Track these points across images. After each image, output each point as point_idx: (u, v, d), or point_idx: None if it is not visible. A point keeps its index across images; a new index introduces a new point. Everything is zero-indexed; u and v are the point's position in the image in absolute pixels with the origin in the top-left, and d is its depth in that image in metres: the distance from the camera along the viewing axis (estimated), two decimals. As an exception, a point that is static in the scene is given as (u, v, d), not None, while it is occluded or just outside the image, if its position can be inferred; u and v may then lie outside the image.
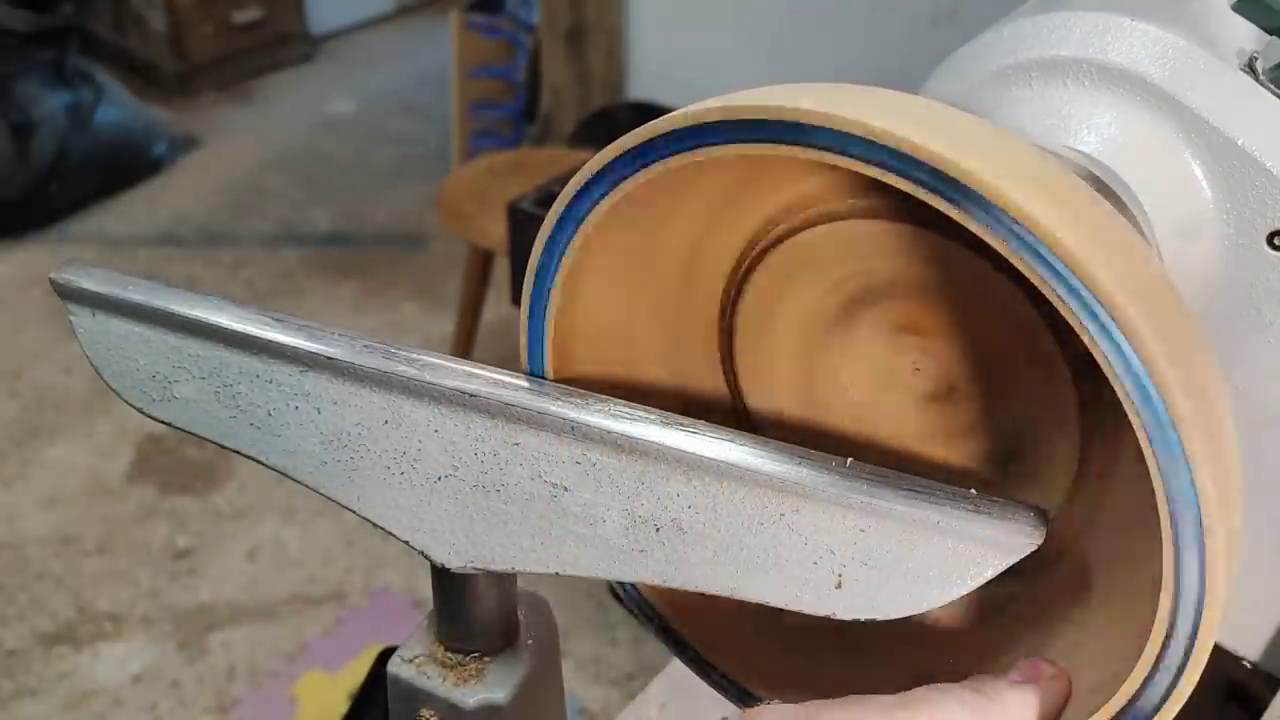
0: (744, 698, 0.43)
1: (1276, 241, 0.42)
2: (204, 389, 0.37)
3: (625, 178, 0.32)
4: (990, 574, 0.33)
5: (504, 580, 0.38)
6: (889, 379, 0.39)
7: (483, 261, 2.17)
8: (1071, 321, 0.28)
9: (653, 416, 0.35)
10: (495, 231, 2.02)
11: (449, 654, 0.39)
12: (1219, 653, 0.48)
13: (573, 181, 0.33)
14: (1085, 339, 0.27)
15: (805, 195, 0.38)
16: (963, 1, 2.01)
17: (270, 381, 0.37)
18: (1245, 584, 0.31)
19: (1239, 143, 0.41)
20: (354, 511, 0.38)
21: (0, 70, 2.82)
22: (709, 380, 0.44)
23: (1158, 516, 0.28)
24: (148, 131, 3.12)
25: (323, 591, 1.94)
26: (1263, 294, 0.43)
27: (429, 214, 2.93)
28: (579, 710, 1.66)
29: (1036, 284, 0.28)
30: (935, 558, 0.33)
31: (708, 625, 0.43)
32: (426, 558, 0.37)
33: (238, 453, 0.38)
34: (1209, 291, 0.44)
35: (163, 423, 0.39)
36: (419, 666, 0.39)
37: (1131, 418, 0.27)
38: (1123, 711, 0.31)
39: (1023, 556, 0.34)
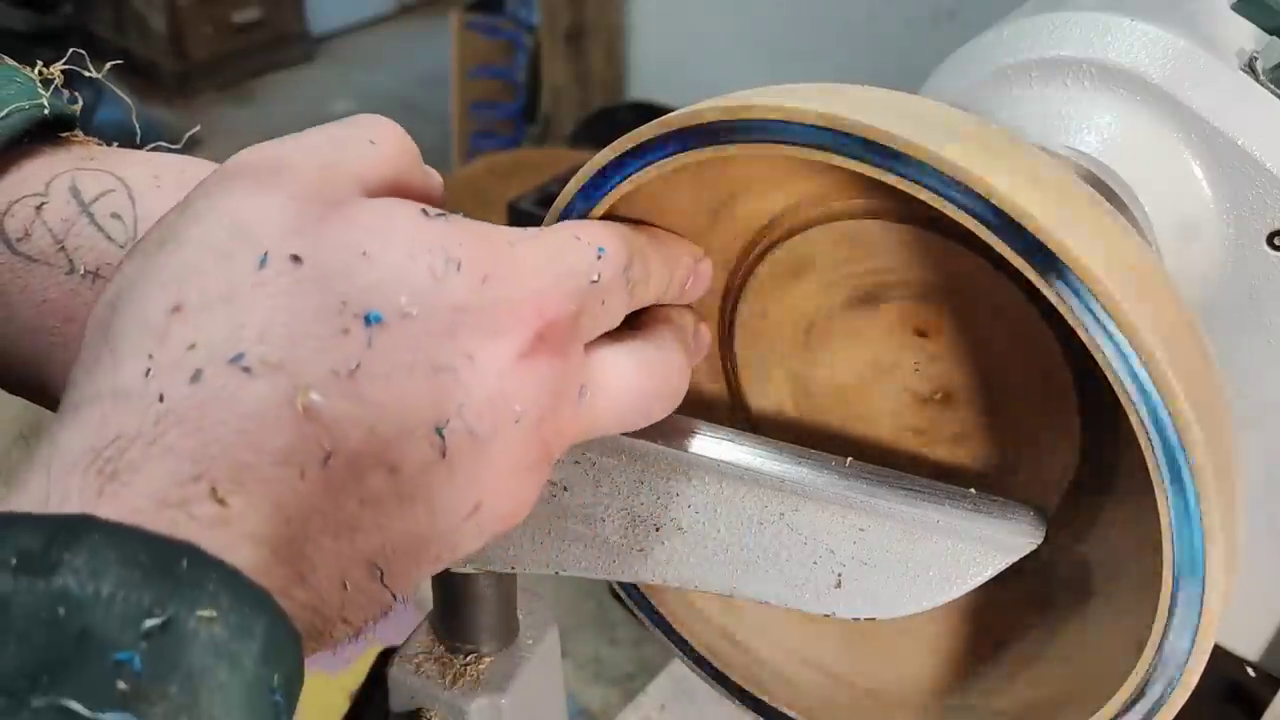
0: (744, 696, 0.43)
1: (1276, 241, 0.42)
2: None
3: (623, 179, 0.32)
4: (990, 573, 0.33)
5: (504, 580, 0.38)
6: (889, 378, 0.39)
7: (483, 261, 2.17)
8: (1070, 319, 0.28)
9: (653, 416, 0.35)
10: (495, 231, 2.02)
11: (449, 654, 0.39)
12: (1219, 653, 0.48)
13: (571, 183, 0.33)
14: (1084, 336, 0.27)
15: (806, 195, 0.38)
16: (963, 1, 2.01)
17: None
18: (1245, 584, 0.31)
19: (1239, 143, 0.41)
20: (354, 511, 0.38)
21: (0, 70, 2.82)
22: (709, 380, 0.44)
23: (1158, 516, 0.28)
24: (147, 132, 3.11)
25: (323, 591, 1.94)
26: (1263, 294, 0.43)
27: (429, 214, 2.92)
28: (579, 710, 1.66)
29: (1039, 286, 0.28)
30: (935, 557, 0.33)
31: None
32: (426, 557, 0.37)
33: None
34: (1209, 291, 0.44)
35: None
36: (419, 666, 0.39)
37: (1132, 419, 0.27)
38: (1123, 711, 0.31)
39: (1022, 556, 0.34)
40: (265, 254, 0.23)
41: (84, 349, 0.24)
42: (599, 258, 0.29)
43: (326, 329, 0.23)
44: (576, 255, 0.29)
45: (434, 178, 0.31)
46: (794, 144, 0.29)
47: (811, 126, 0.28)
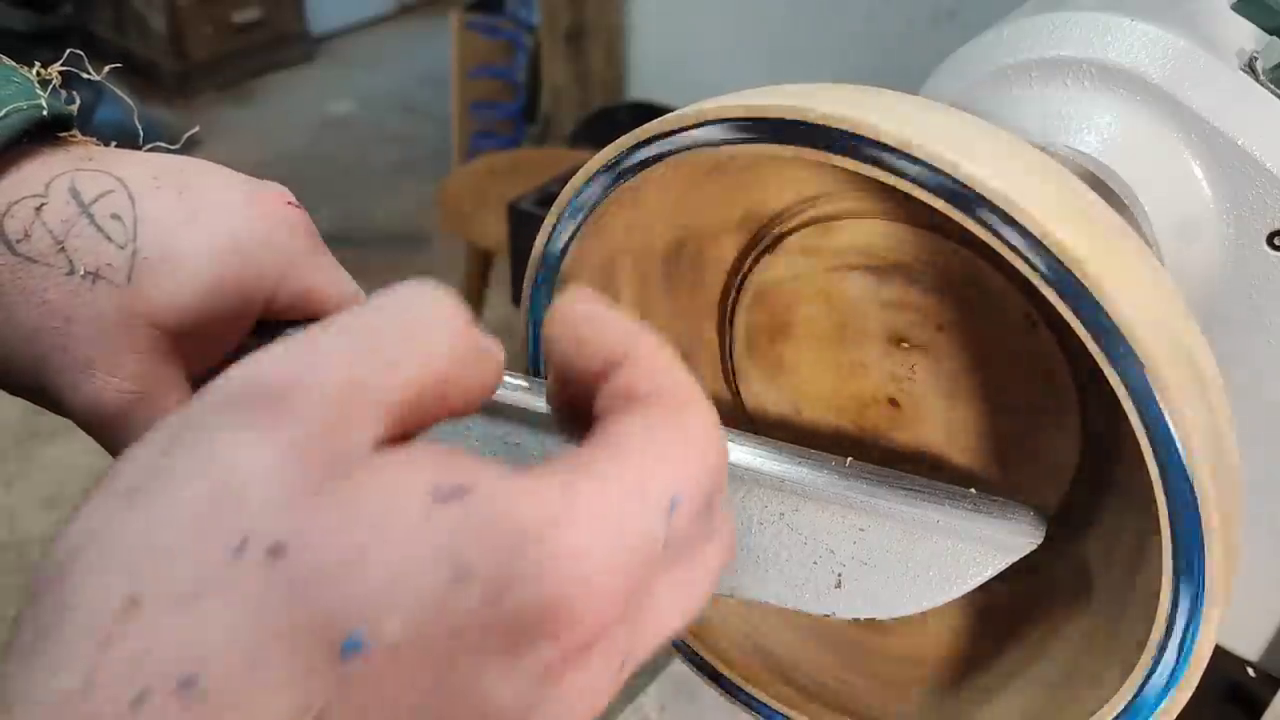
0: (745, 697, 0.42)
1: (1276, 241, 0.42)
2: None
3: (624, 179, 0.32)
4: (990, 573, 0.33)
5: (504, 580, 0.38)
6: (888, 377, 0.39)
7: (483, 261, 2.17)
8: (1064, 312, 0.28)
9: (652, 416, 0.35)
10: (495, 231, 2.02)
11: (449, 654, 0.39)
12: (1219, 653, 0.48)
13: (572, 183, 0.33)
14: (1083, 336, 0.27)
15: (807, 195, 0.38)
16: (963, 1, 2.01)
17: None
18: (1245, 584, 0.31)
19: (1239, 143, 0.41)
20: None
21: (0, 70, 2.82)
22: (709, 380, 0.44)
23: (1157, 516, 0.28)
24: (148, 132, 3.11)
25: (323, 591, 1.93)
26: (1263, 294, 0.43)
27: (429, 214, 2.93)
28: (579, 710, 1.66)
29: (1031, 277, 0.28)
30: (935, 557, 0.33)
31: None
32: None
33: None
34: (1209, 291, 0.43)
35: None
36: (419, 666, 0.39)
37: (1132, 419, 0.27)
38: (1123, 711, 0.31)
39: (1022, 556, 0.34)
40: (244, 540, 0.20)
41: (26, 617, 0.20)
42: (671, 511, 0.22)
43: (294, 658, 0.19)
44: (642, 522, 0.22)
45: (489, 362, 0.24)
46: (896, 175, 0.28)
47: (947, 177, 0.27)
